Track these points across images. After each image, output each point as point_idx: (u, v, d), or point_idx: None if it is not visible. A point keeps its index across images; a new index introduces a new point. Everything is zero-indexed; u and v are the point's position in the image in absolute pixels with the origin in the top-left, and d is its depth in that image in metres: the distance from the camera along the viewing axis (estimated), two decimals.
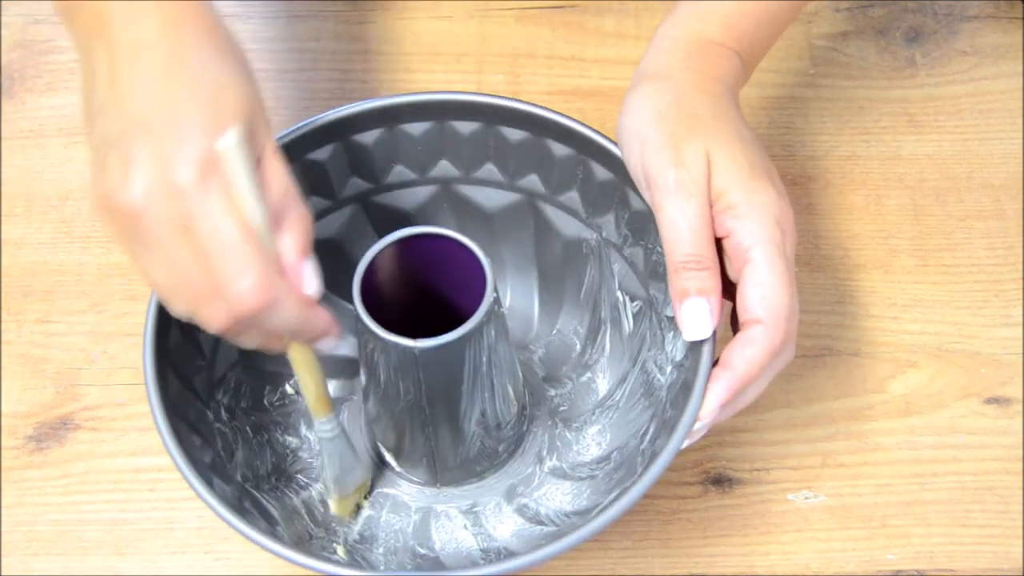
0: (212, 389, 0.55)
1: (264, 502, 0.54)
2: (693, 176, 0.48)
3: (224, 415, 0.55)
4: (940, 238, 0.66)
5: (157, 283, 0.44)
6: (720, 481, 0.60)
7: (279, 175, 0.44)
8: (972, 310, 0.64)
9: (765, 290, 0.48)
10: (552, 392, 0.61)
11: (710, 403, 0.48)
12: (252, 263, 0.42)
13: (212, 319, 0.43)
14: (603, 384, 0.61)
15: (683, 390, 0.51)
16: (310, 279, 0.45)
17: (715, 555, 0.58)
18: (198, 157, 0.41)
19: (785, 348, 0.49)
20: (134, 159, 0.41)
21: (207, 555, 0.58)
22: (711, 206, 0.49)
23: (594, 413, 0.60)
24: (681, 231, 0.48)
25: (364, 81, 0.72)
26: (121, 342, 0.64)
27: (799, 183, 0.68)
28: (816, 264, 0.66)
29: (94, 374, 0.63)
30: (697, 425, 0.49)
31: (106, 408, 0.62)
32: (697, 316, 0.49)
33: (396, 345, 0.48)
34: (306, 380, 0.50)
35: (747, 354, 0.48)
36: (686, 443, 0.49)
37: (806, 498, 0.60)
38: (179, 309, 0.44)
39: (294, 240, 0.44)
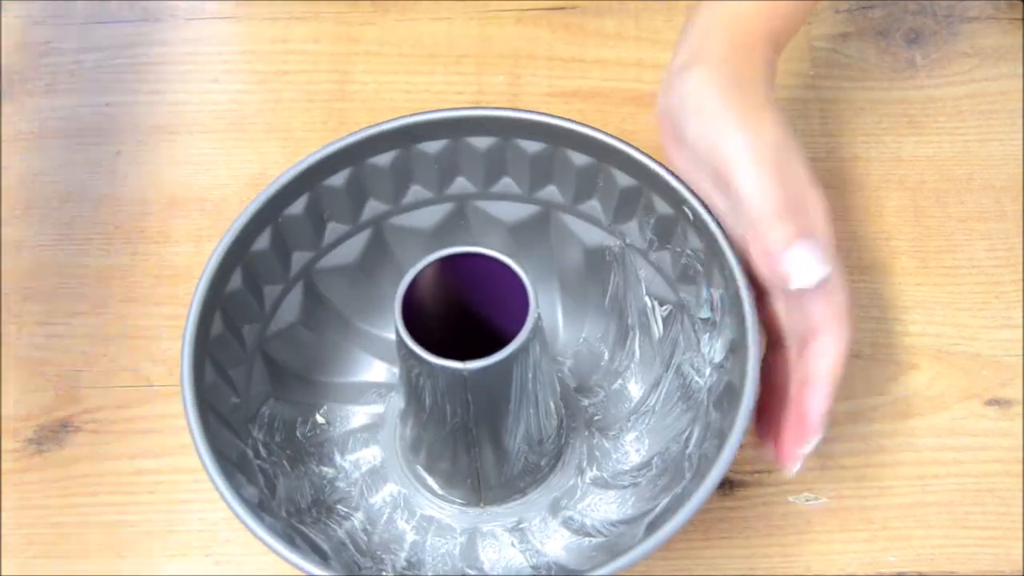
0: (247, 425, 0.55)
1: (312, 536, 0.53)
2: (767, 142, 0.49)
3: (262, 451, 0.55)
4: (940, 240, 0.66)
5: None
6: (721, 483, 0.59)
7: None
8: (973, 312, 0.64)
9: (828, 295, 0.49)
10: (585, 402, 0.61)
11: (816, 419, 0.50)
12: None
13: None
14: (635, 390, 0.61)
15: (727, 392, 0.51)
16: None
17: (716, 557, 0.58)
18: None
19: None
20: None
21: (207, 558, 0.58)
22: None
23: (629, 420, 0.60)
24: (768, 183, 0.48)
25: (364, 83, 0.72)
26: (121, 344, 0.63)
27: None
28: None
29: (94, 376, 0.63)
30: (807, 449, 0.50)
31: (106, 411, 0.62)
32: (810, 256, 0.48)
33: (444, 368, 0.47)
34: None
35: (828, 364, 0.49)
36: (796, 468, 0.50)
37: (807, 500, 0.60)
38: None
39: None
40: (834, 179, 0.68)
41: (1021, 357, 0.63)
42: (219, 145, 0.70)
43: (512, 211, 0.59)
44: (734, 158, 0.49)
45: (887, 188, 0.68)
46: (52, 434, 0.61)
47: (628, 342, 0.61)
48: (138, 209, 0.68)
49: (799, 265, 0.47)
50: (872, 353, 0.63)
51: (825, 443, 0.60)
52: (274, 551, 0.47)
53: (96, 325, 0.64)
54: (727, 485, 0.60)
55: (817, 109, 0.71)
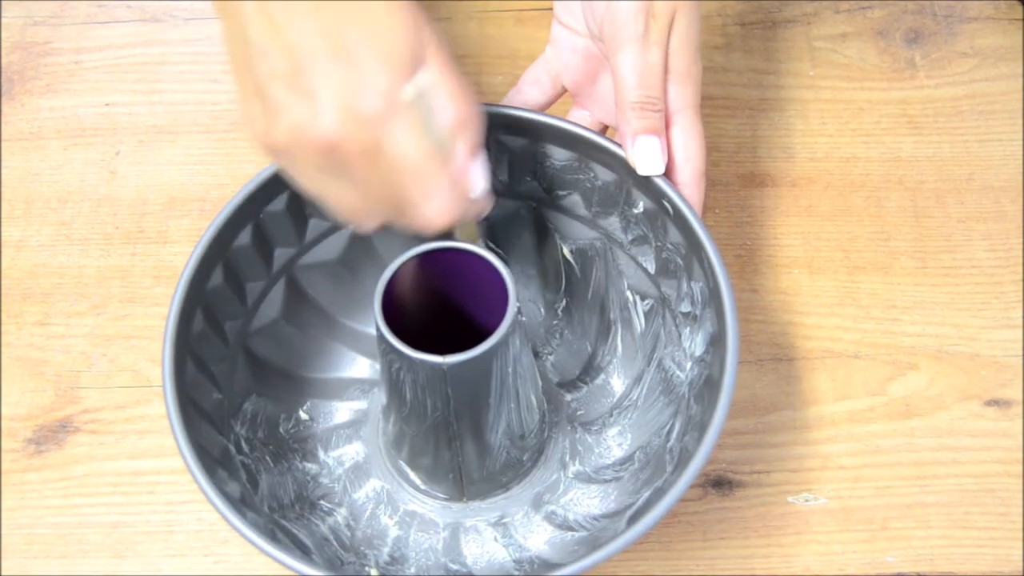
0: (230, 421, 0.55)
1: (294, 531, 0.53)
2: (660, 26, 0.52)
3: (244, 447, 0.55)
4: (940, 240, 0.66)
5: (349, 207, 0.46)
6: (720, 483, 0.60)
7: (455, 88, 0.45)
8: (972, 312, 0.64)
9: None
10: (568, 397, 0.61)
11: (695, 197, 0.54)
12: (438, 187, 0.45)
13: (406, 229, 0.47)
14: (618, 385, 0.61)
15: (707, 384, 0.51)
16: (477, 179, 0.47)
17: (715, 558, 0.58)
18: (383, 90, 0.43)
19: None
20: (320, 91, 0.43)
21: (207, 558, 0.58)
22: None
23: (611, 415, 0.60)
24: (642, 74, 0.52)
25: None
26: (120, 344, 0.64)
27: (799, 185, 0.68)
28: (816, 266, 0.65)
29: (93, 377, 0.63)
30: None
31: (105, 411, 0.62)
32: (652, 152, 0.52)
33: (423, 363, 0.47)
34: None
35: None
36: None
37: (806, 500, 0.60)
38: (369, 227, 0.47)
39: (465, 145, 0.46)
40: (834, 179, 0.68)
41: (1020, 357, 0.63)
42: (218, 145, 0.70)
43: (494, 206, 0.59)
44: (620, 40, 0.52)
45: (886, 188, 0.68)
46: (51, 434, 0.61)
47: (610, 337, 0.61)
48: (137, 209, 0.68)
49: (642, 156, 0.52)
50: (871, 353, 0.63)
51: (824, 443, 0.61)
52: (255, 545, 0.47)
53: (95, 325, 0.64)
54: (726, 485, 0.60)
55: (817, 109, 0.71)
